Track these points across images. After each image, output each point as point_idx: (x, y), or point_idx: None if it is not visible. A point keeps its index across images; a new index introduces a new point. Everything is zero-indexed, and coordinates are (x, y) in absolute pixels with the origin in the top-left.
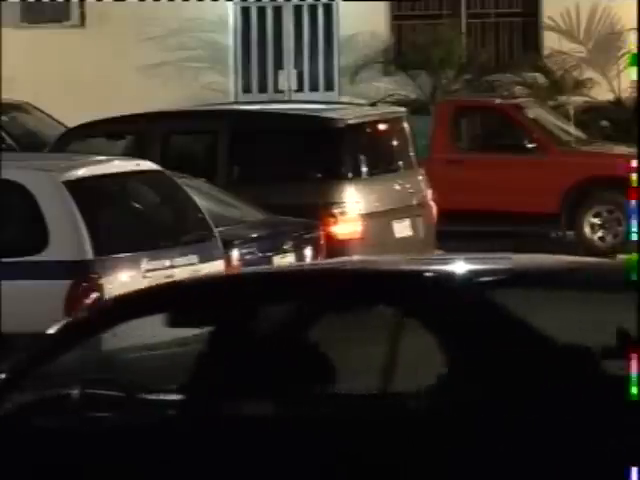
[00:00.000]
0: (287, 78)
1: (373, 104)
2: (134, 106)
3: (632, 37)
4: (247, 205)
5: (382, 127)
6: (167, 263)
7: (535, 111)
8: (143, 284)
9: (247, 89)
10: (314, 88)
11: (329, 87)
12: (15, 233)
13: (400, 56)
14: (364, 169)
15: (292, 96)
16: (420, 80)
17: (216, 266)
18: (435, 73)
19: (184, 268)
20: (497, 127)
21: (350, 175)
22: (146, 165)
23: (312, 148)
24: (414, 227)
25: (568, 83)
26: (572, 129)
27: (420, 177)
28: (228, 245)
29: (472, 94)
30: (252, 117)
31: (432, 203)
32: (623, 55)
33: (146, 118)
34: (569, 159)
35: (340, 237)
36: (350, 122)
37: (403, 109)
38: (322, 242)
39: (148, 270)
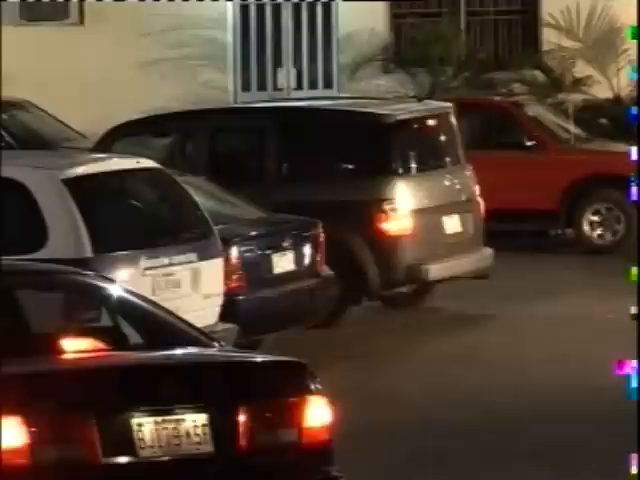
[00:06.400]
0: (286, 76)
1: (420, 99)
2: (133, 104)
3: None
4: (246, 203)
5: (431, 122)
6: (166, 261)
7: (534, 109)
8: (142, 282)
9: (246, 87)
10: (313, 86)
11: (328, 85)
12: (14, 231)
13: (399, 54)
14: (413, 165)
15: (291, 94)
16: (419, 78)
17: (215, 264)
18: (434, 71)
19: (183, 266)
20: (496, 125)
21: (400, 171)
22: (145, 163)
23: (362, 144)
24: (463, 223)
25: (567, 81)
26: (571, 127)
27: (468, 173)
28: (227, 243)
29: (471, 92)
30: (301, 114)
31: (480, 199)
32: (622, 53)
33: (193, 115)
34: (568, 157)
35: (391, 233)
36: (400, 118)
37: (450, 104)
38: (321, 240)
39: (147, 268)
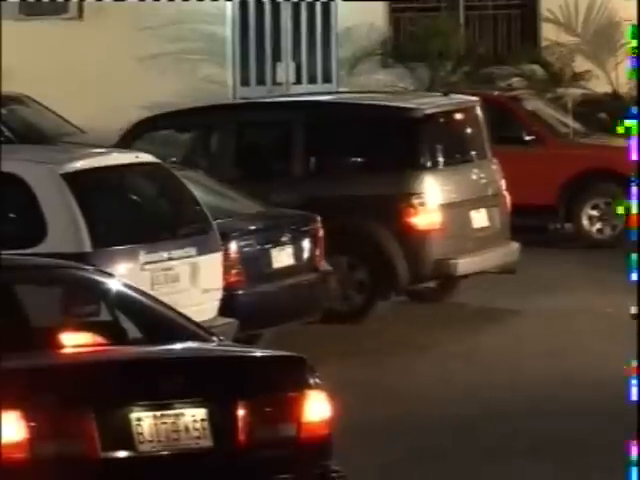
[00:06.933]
0: (285, 70)
1: (445, 93)
2: (132, 98)
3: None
4: (245, 197)
5: (458, 116)
6: (165, 255)
7: (533, 103)
8: (141, 277)
9: (245, 81)
10: (312, 80)
11: (327, 79)
12: (13, 226)
13: (398, 48)
14: (441, 159)
15: (290, 88)
16: (418, 72)
17: (214, 258)
18: (433, 65)
19: (182, 260)
20: (495, 119)
21: (428, 165)
22: (144, 157)
23: (390, 138)
24: (490, 217)
25: (566, 75)
26: (570, 121)
27: (494, 167)
28: (226, 237)
29: (470, 86)
30: (328, 108)
31: (506, 193)
32: (621, 47)
33: (218, 110)
34: (567, 151)
35: (420, 228)
36: (428, 112)
37: (476, 98)
38: (320, 234)
39: (146, 262)
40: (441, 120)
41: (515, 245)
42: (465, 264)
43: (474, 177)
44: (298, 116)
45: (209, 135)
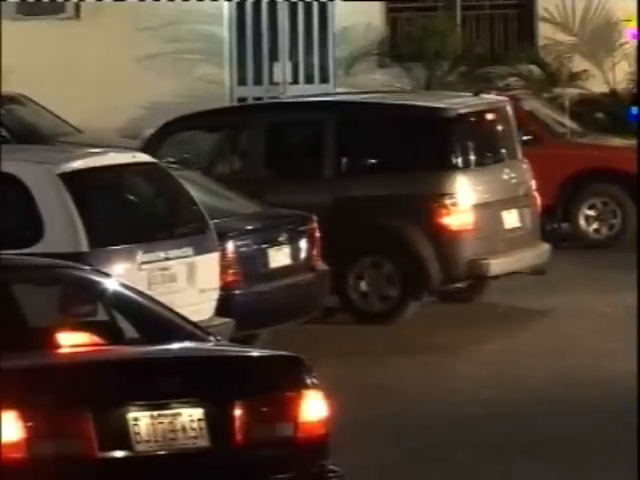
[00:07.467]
0: (282, 70)
1: (476, 93)
2: (130, 98)
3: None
4: (242, 197)
5: (489, 116)
6: (162, 255)
7: (530, 103)
8: (139, 276)
9: (242, 81)
10: (309, 80)
11: (324, 79)
12: (10, 225)
13: (395, 48)
14: (473, 159)
15: (287, 88)
16: (415, 72)
17: (211, 258)
18: (430, 65)
19: (179, 260)
20: None
21: (461, 165)
22: (141, 157)
23: (422, 138)
24: (522, 218)
25: (563, 75)
26: (567, 121)
27: (524, 167)
28: (223, 237)
29: (467, 86)
30: (360, 108)
31: (536, 194)
32: (618, 47)
33: (247, 110)
34: (564, 151)
35: (452, 228)
36: (460, 112)
37: (506, 98)
38: (317, 234)
39: (143, 262)
40: (473, 120)
41: (546, 246)
42: (497, 265)
43: (505, 177)
44: (329, 116)
45: (238, 136)
